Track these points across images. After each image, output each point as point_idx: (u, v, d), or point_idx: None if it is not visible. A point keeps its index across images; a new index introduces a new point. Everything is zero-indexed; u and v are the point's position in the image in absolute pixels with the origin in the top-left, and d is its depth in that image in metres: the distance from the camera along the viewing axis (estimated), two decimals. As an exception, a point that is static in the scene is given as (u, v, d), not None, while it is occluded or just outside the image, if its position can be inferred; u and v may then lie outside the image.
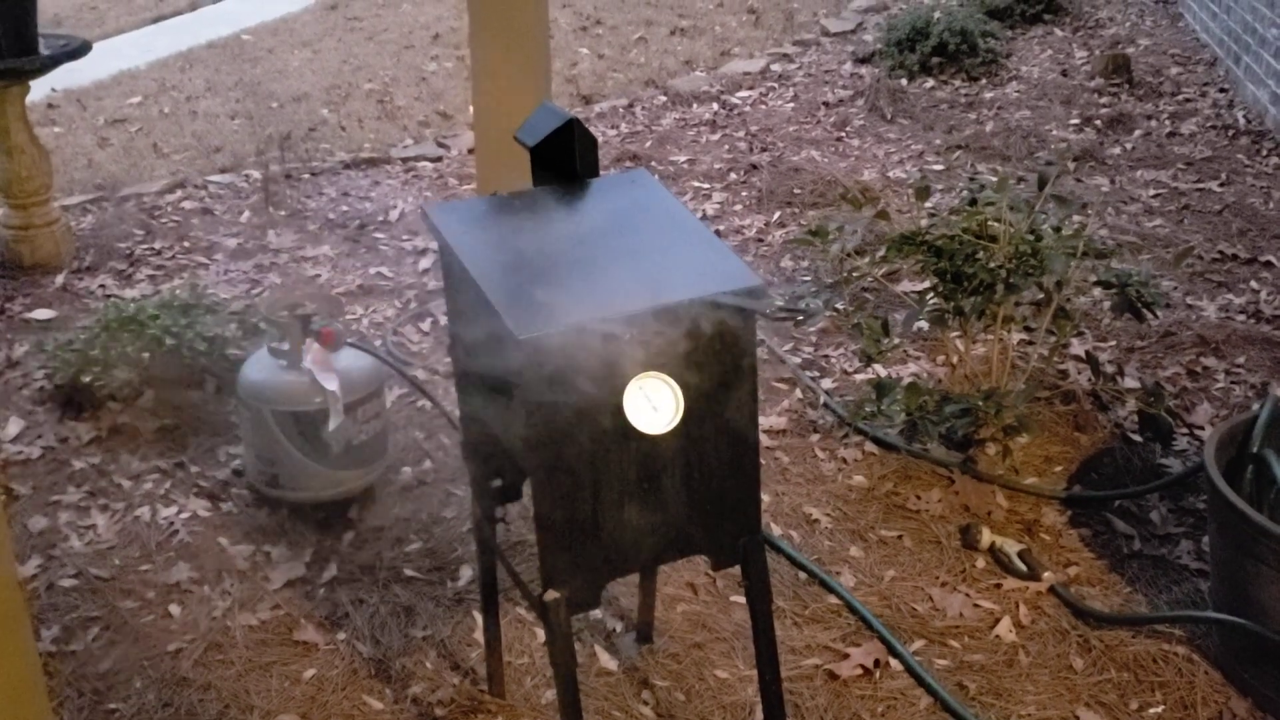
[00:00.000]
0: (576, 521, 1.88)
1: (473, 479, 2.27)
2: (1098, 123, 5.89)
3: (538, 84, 3.70)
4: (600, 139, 5.68)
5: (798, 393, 3.64)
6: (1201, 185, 5.13)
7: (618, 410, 1.83)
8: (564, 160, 2.12)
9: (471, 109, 4.16)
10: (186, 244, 4.78)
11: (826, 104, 6.40)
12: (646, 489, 1.92)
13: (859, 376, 3.71)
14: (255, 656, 2.64)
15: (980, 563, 2.91)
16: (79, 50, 4.47)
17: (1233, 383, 3.65)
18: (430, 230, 2.05)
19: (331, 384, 2.92)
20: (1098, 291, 3.71)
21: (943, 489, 3.17)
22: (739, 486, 1.99)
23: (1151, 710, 2.47)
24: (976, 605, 2.77)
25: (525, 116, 2.18)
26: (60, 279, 4.44)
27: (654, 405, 1.85)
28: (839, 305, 3.81)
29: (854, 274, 3.57)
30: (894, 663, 2.60)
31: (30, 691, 2.00)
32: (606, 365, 1.79)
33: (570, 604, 1.93)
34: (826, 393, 3.62)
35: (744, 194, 5.20)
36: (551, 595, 1.91)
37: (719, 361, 1.88)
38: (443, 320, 4.07)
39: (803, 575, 2.87)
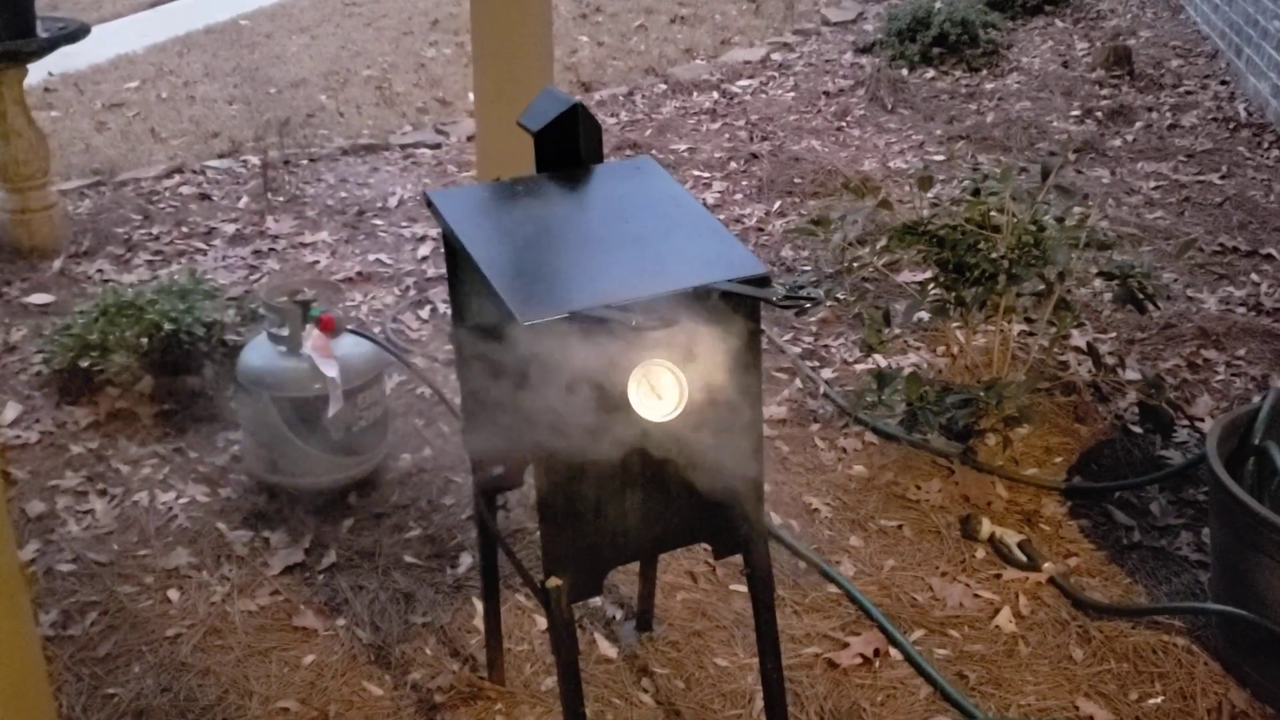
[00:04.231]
0: (578, 509, 1.88)
1: (473, 466, 2.26)
2: (1099, 114, 5.88)
3: (540, 70, 3.68)
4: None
5: (798, 382, 3.64)
6: (1202, 177, 5.13)
7: (621, 397, 1.82)
8: (568, 146, 2.11)
9: (472, 95, 4.15)
10: (185, 229, 4.77)
11: (827, 93, 6.38)
12: (649, 477, 1.91)
13: (859, 366, 3.70)
14: (254, 642, 2.64)
15: (980, 553, 2.91)
16: (77, 34, 4.45)
17: (1233, 375, 3.65)
18: (433, 215, 2.04)
19: (331, 370, 2.92)
20: (1099, 283, 3.71)
21: (943, 479, 3.16)
22: (741, 475, 1.99)
23: (1151, 701, 2.48)
24: (976, 595, 2.77)
25: (527, 103, 2.16)
26: (58, 263, 4.42)
27: (657, 393, 1.84)
28: (840, 295, 3.81)
29: (855, 264, 3.56)
30: (894, 652, 2.60)
31: (30, 676, 1.99)
32: (610, 352, 1.78)
33: (571, 591, 1.93)
34: (827, 382, 3.61)
35: (744, 183, 5.19)
36: (553, 582, 1.90)
37: (723, 349, 1.87)
38: (442, 308, 4.06)
39: (803, 564, 2.87)
